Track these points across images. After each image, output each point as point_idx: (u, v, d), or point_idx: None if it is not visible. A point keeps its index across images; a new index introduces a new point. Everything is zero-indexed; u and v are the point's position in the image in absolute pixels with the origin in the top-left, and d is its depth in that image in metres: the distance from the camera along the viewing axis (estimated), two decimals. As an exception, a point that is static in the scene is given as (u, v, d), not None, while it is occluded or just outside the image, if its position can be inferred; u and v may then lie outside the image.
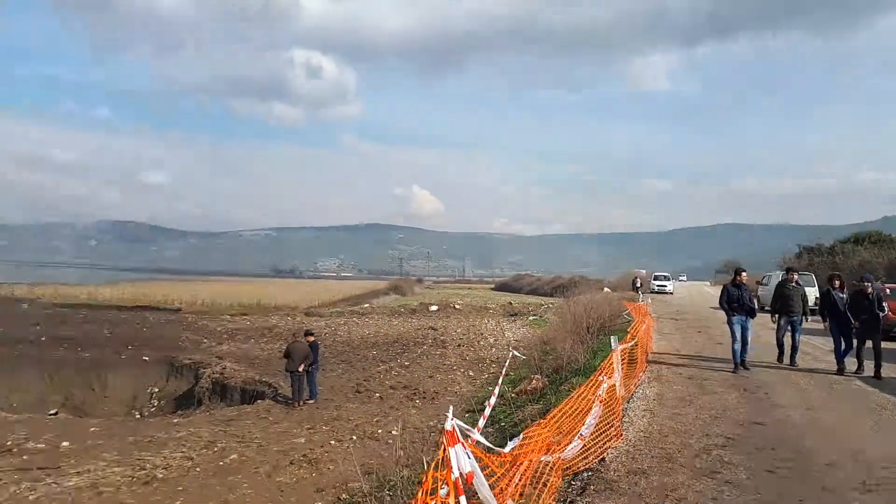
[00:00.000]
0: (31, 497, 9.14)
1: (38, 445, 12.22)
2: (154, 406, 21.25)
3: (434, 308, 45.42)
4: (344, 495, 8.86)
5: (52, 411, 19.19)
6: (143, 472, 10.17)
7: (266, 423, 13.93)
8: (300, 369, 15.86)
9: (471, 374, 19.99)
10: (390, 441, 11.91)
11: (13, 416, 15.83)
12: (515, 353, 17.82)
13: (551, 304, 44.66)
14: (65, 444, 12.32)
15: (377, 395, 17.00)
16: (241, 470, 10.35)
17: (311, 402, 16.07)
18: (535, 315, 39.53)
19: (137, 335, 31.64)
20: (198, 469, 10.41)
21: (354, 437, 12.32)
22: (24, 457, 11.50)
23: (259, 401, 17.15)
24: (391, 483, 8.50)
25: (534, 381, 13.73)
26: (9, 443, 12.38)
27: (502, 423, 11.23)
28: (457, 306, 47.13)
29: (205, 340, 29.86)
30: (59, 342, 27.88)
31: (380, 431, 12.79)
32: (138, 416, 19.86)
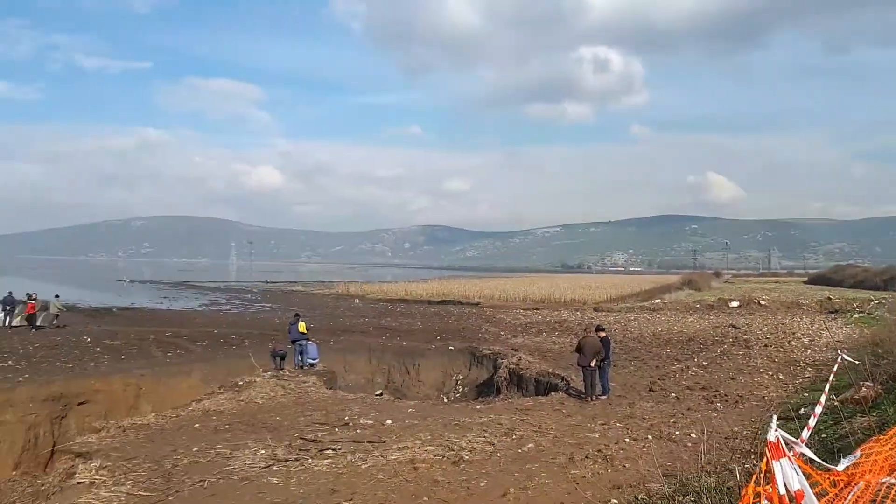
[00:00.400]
0: (363, 466, 10.58)
1: (368, 422, 14.11)
2: (459, 392, 23.10)
3: (735, 304, 41.88)
4: (641, 495, 8.60)
5: (378, 392, 22.02)
6: (452, 452, 11.08)
7: (560, 416, 14.20)
8: (592, 364, 15.85)
9: (781, 377, 17.95)
10: (689, 444, 11.26)
11: (350, 395, 18.55)
12: (845, 356, 15.48)
13: (884, 298, 37.99)
14: (388, 422, 14.03)
15: (673, 394, 16.22)
16: (538, 459, 10.69)
17: (604, 397, 15.95)
18: (861, 312, 34.04)
19: (444, 326, 34.77)
20: (499, 454, 11.01)
21: (650, 437, 11.90)
22: (358, 431, 13.37)
23: (553, 393, 17.58)
24: (694, 489, 8.03)
25: (863, 389, 11.80)
26: (346, 418, 14.52)
27: (823, 435, 9.87)
28: (762, 302, 42.78)
29: (502, 333, 31.58)
30: (382, 332, 31.94)
31: (677, 433, 12.17)
32: (446, 401, 21.77)
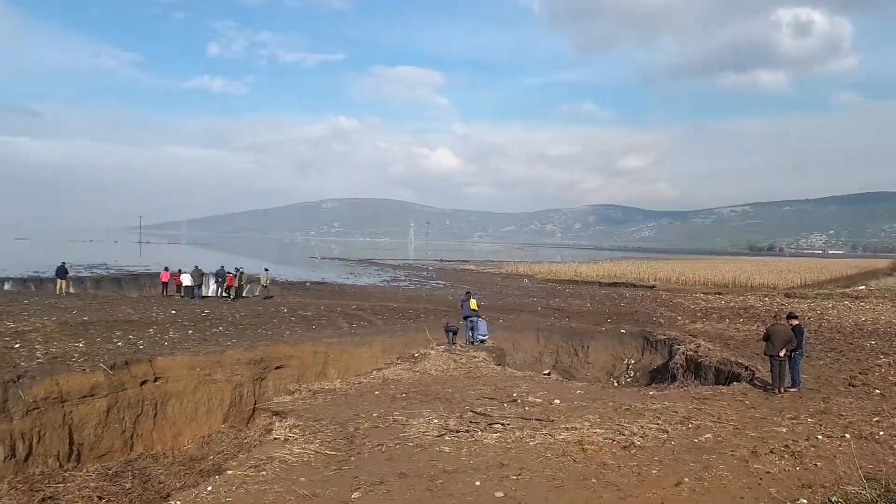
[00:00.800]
0: (531, 443, 10.68)
1: (536, 400, 14.18)
2: (630, 377, 22.44)
3: (963, 293, 36.30)
4: (836, 497, 7.82)
5: (546, 371, 22.03)
6: (622, 437, 10.82)
7: (742, 407, 13.29)
8: (781, 354, 14.61)
9: None
10: (898, 447, 10.04)
11: (518, 373, 18.75)
12: None
13: None
14: (556, 401, 14.00)
15: (877, 391, 14.49)
16: (715, 450, 10.11)
17: (793, 390, 14.65)
18: None
19: (616, 309, 33.89)
20: (672, 442, 10.57)
21: (847, 436, 10.75)
22: (526, 408, 13.49)
23: (734, 383, 16.48)
24: (901, 496, 7.17)
25: None
26: (515, 394, 14.72)
27: None
28: None
29: (678, 317, 30.12)
30: (551, 312, 31.86)
31: (881, 433, 10.87)
32: (616, 384, 21.27)
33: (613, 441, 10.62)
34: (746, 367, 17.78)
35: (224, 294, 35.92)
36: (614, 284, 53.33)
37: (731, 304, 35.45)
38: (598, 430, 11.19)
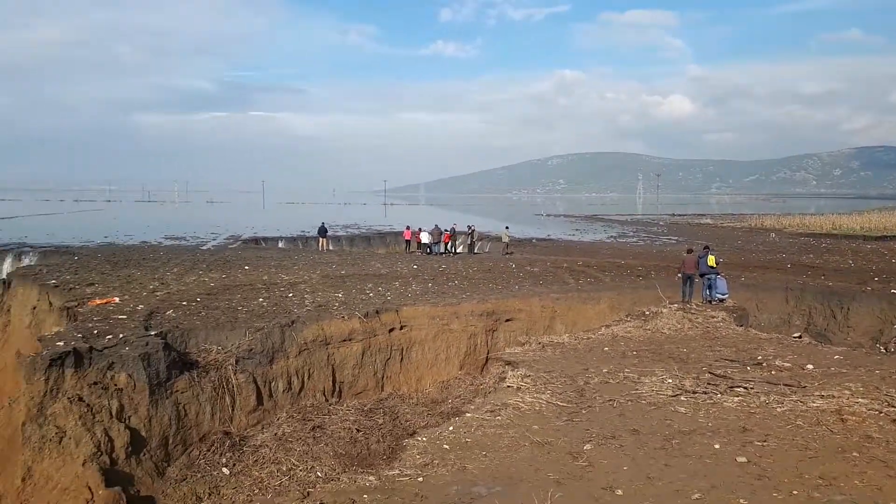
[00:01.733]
0: (778, 409, 9.90)
1: (784, 364, 13.03)
2: (903, 343, 19.53)
3: None
4: None
5: (796, 334, 20.05)
6: (892, 409, 9.57)
7: None
8: None
9: None
10: None
11: (763, 335, 17.34)
12: None
13: None
14: (808, 366, 12.74)
15: None
16: None
17: None
18: None
19: (885, 266, 29.59)
20: (959, 420, 9.10)
21: None
22: (772, 372, 12.48)
23: None
24: None
25: None
26: (759, 357, 13.67)
27: None
28: None
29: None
30: (803, 269, 28.76)
31: None
32: (883, 351, 18.68)
33: (880, 413, 9.45)
34: None
35: (443, 251, 37.75)
36: (883, 238, 46.34)
37: None
38: (860, 400, 10.03)
